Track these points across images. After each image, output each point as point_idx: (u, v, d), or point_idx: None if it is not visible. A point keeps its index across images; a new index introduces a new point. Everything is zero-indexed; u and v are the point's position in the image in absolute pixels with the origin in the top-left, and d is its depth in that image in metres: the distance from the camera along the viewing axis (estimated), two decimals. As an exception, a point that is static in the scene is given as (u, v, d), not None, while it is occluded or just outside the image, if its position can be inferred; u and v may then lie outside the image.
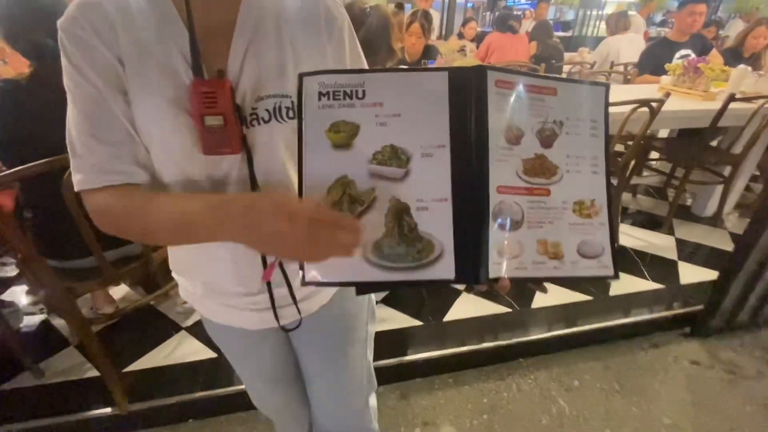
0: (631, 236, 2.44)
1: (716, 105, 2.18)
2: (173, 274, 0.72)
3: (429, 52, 2.39)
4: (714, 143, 2.69)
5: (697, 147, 2.34)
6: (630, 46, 3.68)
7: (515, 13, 5.14)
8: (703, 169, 2.54)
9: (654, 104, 1.92)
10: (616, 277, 0.51)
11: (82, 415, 1.36)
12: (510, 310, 1.83)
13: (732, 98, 2.08)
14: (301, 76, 0.49)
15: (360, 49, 0.64)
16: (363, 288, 0.51)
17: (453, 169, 0.48)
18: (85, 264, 1.21)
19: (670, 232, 2.48)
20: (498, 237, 0.48)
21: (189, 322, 1.73)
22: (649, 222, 2.62)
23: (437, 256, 0.48)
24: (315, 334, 0.78)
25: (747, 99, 2.21)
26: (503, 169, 0.48)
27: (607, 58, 3.71)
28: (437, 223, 0.48)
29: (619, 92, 2.61)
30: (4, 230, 0.98)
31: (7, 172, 0.93)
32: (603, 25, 8.91)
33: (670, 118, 2.25)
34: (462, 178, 0.47)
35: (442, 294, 1.90)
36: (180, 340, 1.65)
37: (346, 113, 0.48)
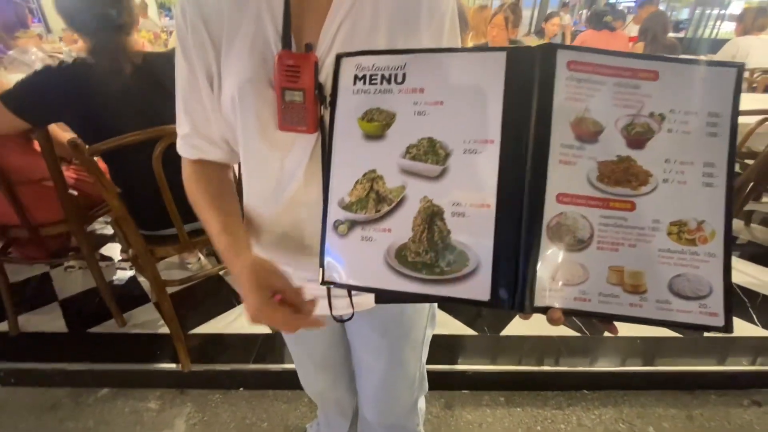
0: (740, 271, 2.08)
1: None
2: None
3: (514, 47, 2.24)
4: None
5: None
6: (764, 49, 3.13)
7: (618, 9, 4.65)
8: None
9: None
10: (727, 329, 0.39)
11: (151, 365, 1.50)
12: (579, 334, 1.65)
13: None
14: (338, 57, 0.45)
15: (459, 41, 0.58)
16: (383, 296, 0.46)
17: (501, 170, 0.40)
18: (165, 233, 1.32)
19: (794, 272, 2.07)
20: (553, 257, 0.39)
21: (250, 297, 1.82)
22: (765, 257, 2.21)
23: (471, 272, 0.41)
24: (371, 330, 0.77)
25: None
26: (569, 173, 0.39)
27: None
28: (475, 232, 0.41)
29: (744, 101, 2.23)
30: (103, 192, 1.09)
31: (109, 140, 1.03)
32: (724, 26, 7.73)
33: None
34: (512, 181, 0.40)
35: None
36: (241, 312, 1.74)
37: (381, 100, 0.43)
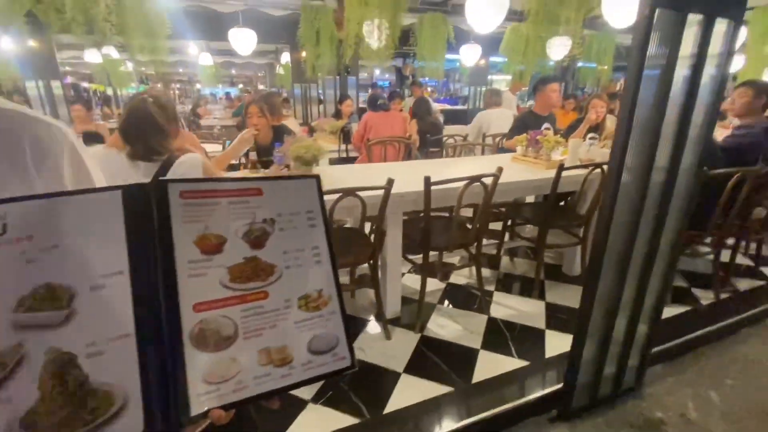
0: (503, 305, 2.38)
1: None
2: None
3: (278, 134, 2.33)
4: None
5: (547, 210, 2.44)
6: (500, 119, 4.05)
7: (396, 91, 5.64)
8: (562, 231, 2.65)
9: (487, 180, 1.95)
10: (353, 367, 0.48)
11: None
12: (452, 388, 1.57)
13: (562, 168, 2.22)
14: None
15: (96, 176, 0.56)
16: None
17: (135, 298, 0.42)
18: None
19: (541, 296, 2.48)
20: (202, 363, 0.42)
21: None
22: (523, 287, 2.61)
23: (119, 409, 0.40)
24: None
25: (583, 166, 2.39)
26: (201, 284, 0.44)
27: (481, 130, 4.03)
28: (118, 367, 0.40)
29: (473, 164, 2.72)
30: None
31: None
32: (487, 100, 10.19)
33: (515, 189, 2.36)
34: (148, 305, 0.42)
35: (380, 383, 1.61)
36: None
37: None
